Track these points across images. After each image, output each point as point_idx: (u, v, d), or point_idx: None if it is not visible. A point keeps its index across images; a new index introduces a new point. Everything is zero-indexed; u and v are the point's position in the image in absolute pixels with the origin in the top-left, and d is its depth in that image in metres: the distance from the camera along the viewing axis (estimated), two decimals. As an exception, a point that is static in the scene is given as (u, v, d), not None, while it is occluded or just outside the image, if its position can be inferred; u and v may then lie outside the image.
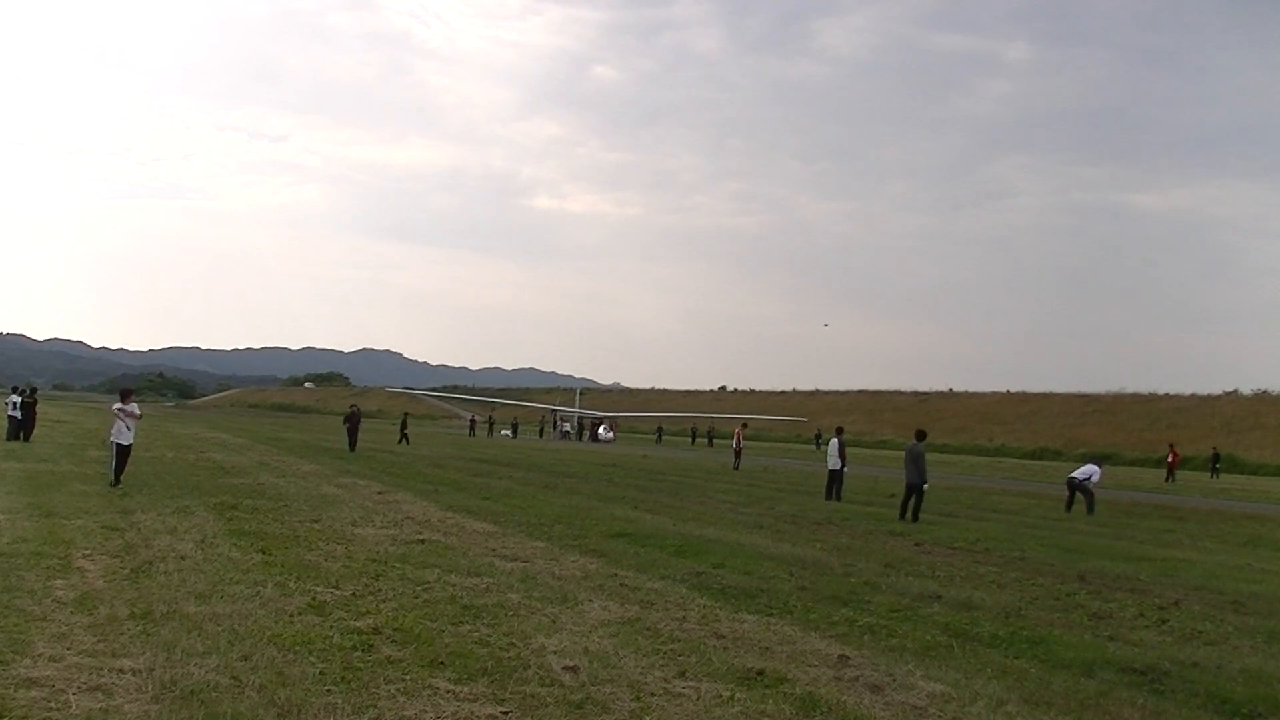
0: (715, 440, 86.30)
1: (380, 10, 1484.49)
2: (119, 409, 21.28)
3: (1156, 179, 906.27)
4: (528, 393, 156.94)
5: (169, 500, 18.51)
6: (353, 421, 43.29)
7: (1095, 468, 28.32)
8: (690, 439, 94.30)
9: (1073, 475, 28.12)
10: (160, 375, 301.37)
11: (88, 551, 12.52)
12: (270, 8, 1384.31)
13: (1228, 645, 10.69)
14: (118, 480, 20.68)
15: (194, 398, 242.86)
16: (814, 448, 76.88)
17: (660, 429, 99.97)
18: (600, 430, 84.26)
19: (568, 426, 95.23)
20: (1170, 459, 55.74)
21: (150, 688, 7.06)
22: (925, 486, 22.54)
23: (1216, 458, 62.19)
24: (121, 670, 7.44)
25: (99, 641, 8.24)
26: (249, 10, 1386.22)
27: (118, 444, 21.01)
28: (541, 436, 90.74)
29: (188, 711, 6.67)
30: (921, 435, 24.02)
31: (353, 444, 41.86)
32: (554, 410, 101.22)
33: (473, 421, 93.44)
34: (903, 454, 24.81)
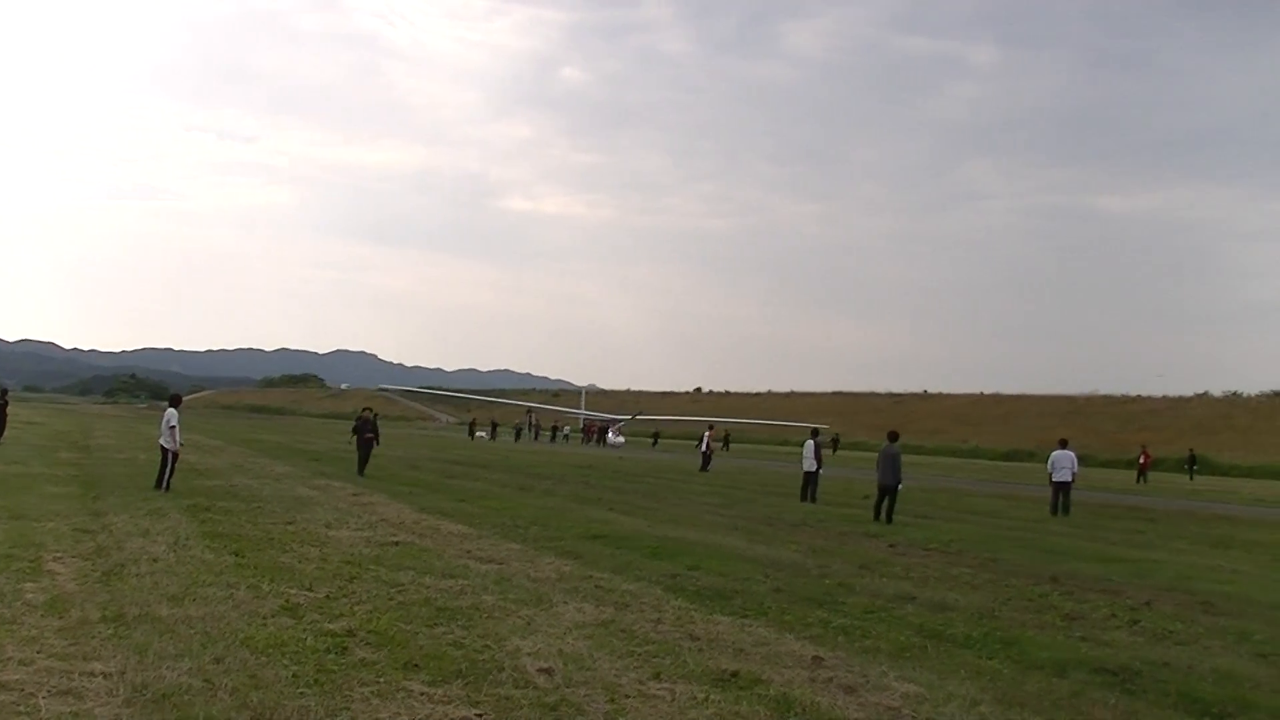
0: (729, 444, 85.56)
1: (347, 12, 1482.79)
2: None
3: (1125, 182, 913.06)
4: (527, 394, 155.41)
5: (142, 502, 18.38)
6: (363, 433, 30.00)
7: (1073, 455, 28.12)
8: (699, 443, 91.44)
9: (1063, 479, 27.45)
10: (133, 377, 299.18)
11: (59, 554, 12.41)
12: (236, 8, 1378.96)
13: (1199, 645, 10.77)
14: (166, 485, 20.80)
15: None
16: (831, 452, 75.22)
17: (657, 434, 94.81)
18: (610, 434, 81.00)
19: (568, 429, 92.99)
20: (1142, 460, 56.08)
21: (122, 691, 7.00)
22: (901, 487, 22.58)
23: (1193, 459, 62.63)
24: (93, 674, 7.38)
25: (70, 645, 8.17)
26: (215, 10, 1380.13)
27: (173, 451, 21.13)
28: (517, 440, 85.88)
29: (160, 715, 6.62)
30: (894, 436, 23.99)
31: (363, 463, 29.51)
32: (530, 410, 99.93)
33: (472, 424, 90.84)
34: (859, 454, 24.69)
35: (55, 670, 7.43)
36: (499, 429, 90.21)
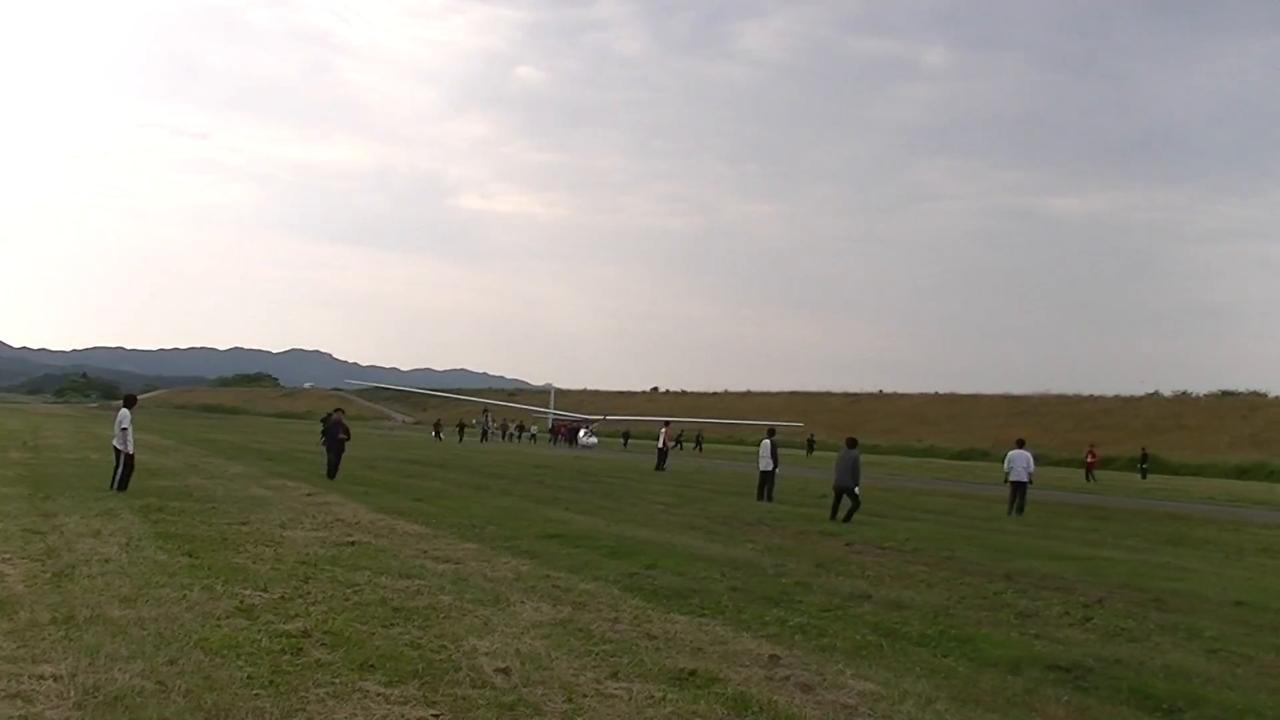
0: (703, 444, 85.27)
1: (300, 8, 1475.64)
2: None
3: (1077, 183, 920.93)
4: (482, 393, 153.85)
5: (93, 502, 18.16)
6: (334, 435, 28.77)
7: (1029, 454, 28.17)
8: (677, 444, 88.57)
9: (1019, 479, 27.48)
10: (84, 376, 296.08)
11: (7, 555, 12.23)
12: (186, 2, 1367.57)
13: (1150, 642, 10.89)
14: (120, 487, 20.49)
15: (118, 399, 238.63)
16: (805, 454, 74.86)
17: (627, 434, 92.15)
18: (581, 434, 77.95)
19: (534, 429, 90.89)
20: (1089, 459, 56.77)
21: (73, 694, 6.92)
22: (857, 490, 22.56)
23: (1145, 458, 63.30)
24: (42, 676, 7.27)
25: (19, 647, 8.05)
26: (164, 5, 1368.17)
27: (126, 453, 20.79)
28: (484, 440, 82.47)
29: (112, 717, 6.55)
30: (853, 443, 23.88)
31: (334, 466, 28.32)
32: (485, 410, 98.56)
33: (438, 424, 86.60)
34: (833, 456, 24.68)
35: (4, 673, 7.32)
36: (466, 429, 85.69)
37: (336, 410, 31.48)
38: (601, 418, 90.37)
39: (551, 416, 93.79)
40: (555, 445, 79.13)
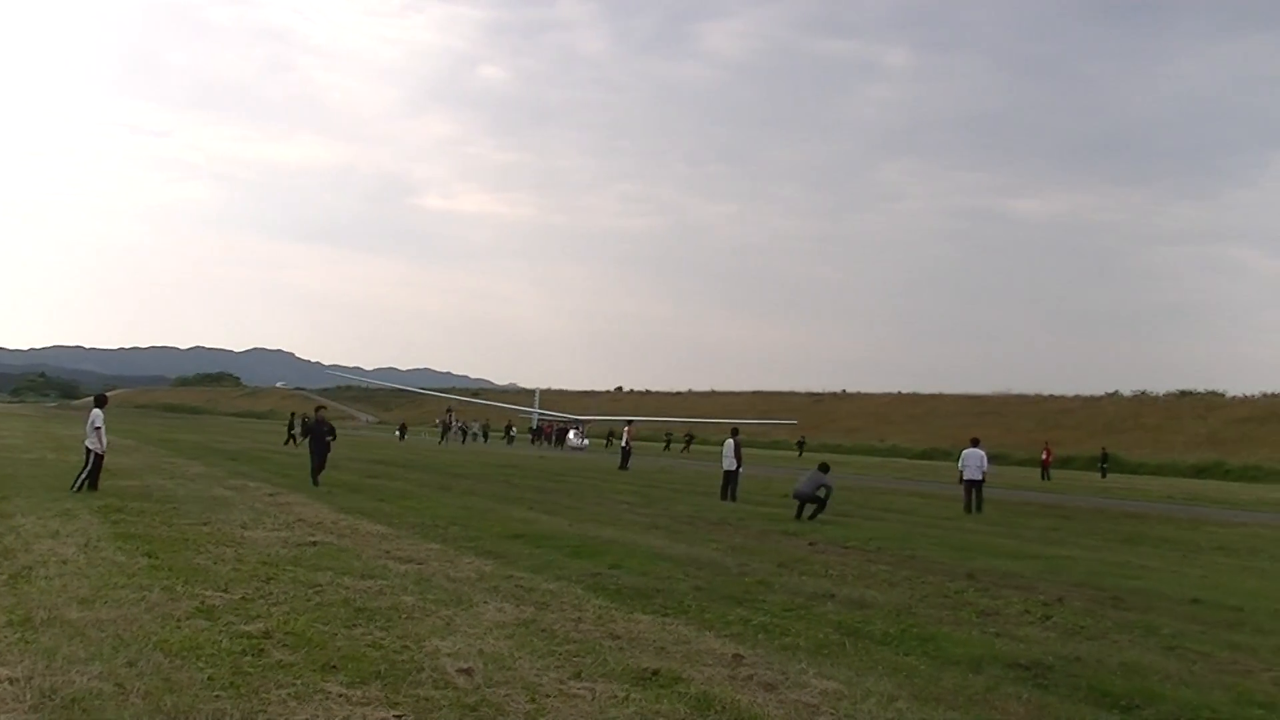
0: (693, 444, 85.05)
1: (260, 5, 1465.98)
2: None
3: (1037, 184, 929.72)
4: (447, 393, 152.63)
5: (51, 503, 17.96)
6: (319, 436, 27.12)
7: (983, 453, 28.31)
8: (665, 444, 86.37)
9: (973, 478, 27.66)
10: (42, 375, 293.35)
11: (-37, 557, 12.09)
12: (148, 0, 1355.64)
13: (1108, 640, 10.99)
14: (88, 486, 20.41)
15: (78, 398, 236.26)
16: (797, 455, 74.62)
17: (610, 434, 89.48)
18: (570, 436, 76.73)
19: (514, 430, 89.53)
20: (1045, 458, 57.43)
21: (29, 696, 6.83)
22: (829, 501, 22.69)
23: (1105, 457, 63.94)
24: (-2, 679, 7.19)
25: (-25, 650, 7.96)
26: (127, 2, 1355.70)
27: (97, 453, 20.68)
28: (464, 442, 78.76)
29: (69, 720, 6.49)
30: (825, 468, 23.81)
31: (318, 470, 26.25)
32: (449, 409, 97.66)
33: (445, 425, 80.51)
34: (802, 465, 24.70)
35: (-41, 676, 7.23)
36: (449, 432, 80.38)
37: (319, 409, 31.10)
38: (588, 419, 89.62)
39: (536, 416, 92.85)
40: (537, 446, 77.60)
